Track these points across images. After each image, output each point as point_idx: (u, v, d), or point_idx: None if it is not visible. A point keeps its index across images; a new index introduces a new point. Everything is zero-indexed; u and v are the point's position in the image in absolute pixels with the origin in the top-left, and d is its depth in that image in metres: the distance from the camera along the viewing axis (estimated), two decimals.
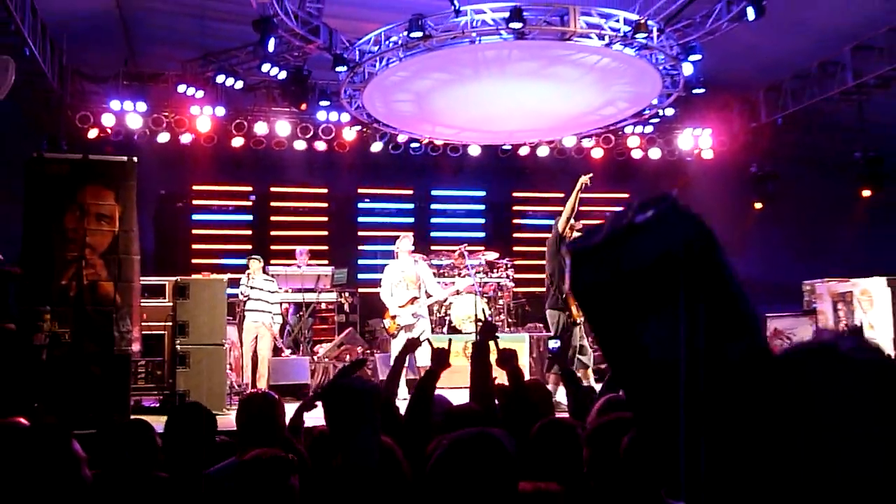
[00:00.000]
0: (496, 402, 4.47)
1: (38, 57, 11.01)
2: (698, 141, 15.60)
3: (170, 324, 9.15)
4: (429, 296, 10.20)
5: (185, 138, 13.92)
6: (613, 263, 1.02)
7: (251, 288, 11.29)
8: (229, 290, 11.31)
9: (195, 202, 15.42)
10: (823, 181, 14.81)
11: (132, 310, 7.85)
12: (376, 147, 14.82)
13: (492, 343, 4.87)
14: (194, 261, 14.44)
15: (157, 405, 9.16)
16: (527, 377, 11.58)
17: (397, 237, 10.71)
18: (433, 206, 16.51)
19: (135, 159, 7.89)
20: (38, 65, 11.21)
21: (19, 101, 12.06)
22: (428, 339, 9.16)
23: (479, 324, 4.38)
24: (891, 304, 10.63)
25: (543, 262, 16.21)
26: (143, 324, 8.76)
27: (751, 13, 10.27)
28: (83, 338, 7.45)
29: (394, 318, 9.85)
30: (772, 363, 1.13)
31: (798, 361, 1.16)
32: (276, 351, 11.39)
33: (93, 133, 13.33)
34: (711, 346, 1.00)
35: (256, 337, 11.03)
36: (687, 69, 11.46)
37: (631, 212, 1.04)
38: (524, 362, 11.85)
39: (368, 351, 12.36)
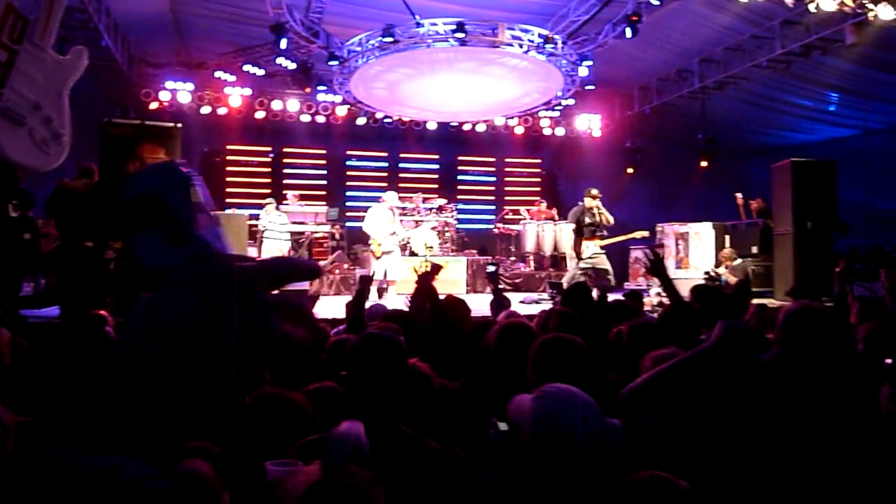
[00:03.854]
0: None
1: (111, 47, 10.66)
2: (590, 123, 15.61)
3: None
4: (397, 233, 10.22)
5: (222, 111, 13.66)
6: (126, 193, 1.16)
7: (269, 221, 11.22)
8: (251, 221, 11.27)
9: (229, 158, 15.11)
10: (675, 154, 14.93)
11: None
12: (361, 121, 14.62)
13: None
14: (228, 200, 14.25)
15: None
16: (464, 289, 11.76)
17: (376, 187, 10.69)
18: (401, 165, 16.35)
19: (179, 125, 7.70)
20: (112, 53, 10.85)
21: (97, 80, 11.69)
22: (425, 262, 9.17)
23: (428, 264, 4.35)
24: (713, 241, 10.85)
25: (479, 206, 16.38)
26: None
27: (628, 32, 10.22)
28: None
29: (379, 245, 9.86)
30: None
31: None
32: None
33: (153, 105, 12.99)
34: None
35: (272, 256, 10.98)
36: (582, 71, 11.38)
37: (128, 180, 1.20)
38: (462, 278, 11.94)
39: (352, 266, 12.39)
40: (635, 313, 5.23)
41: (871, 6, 8.80)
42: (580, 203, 9.61)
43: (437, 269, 4.36)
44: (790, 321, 2.49)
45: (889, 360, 2.38)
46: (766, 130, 14.74)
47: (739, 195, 11.41)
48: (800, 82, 11.95)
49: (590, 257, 9.34)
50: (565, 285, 9.15)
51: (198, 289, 1.13)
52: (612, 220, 9.55)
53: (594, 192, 9.57)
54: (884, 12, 8.82)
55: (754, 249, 10.11)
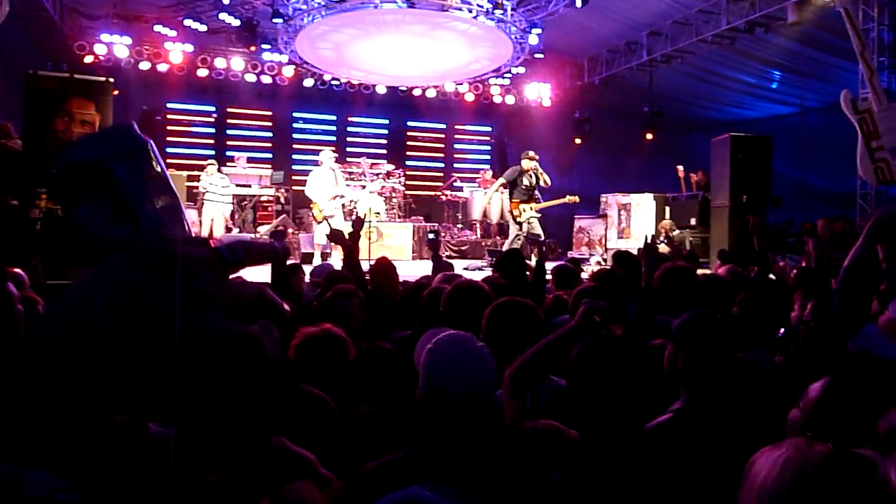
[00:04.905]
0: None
1: None
2: (540, 92, 15.59)
3: None
4: (342, 196, 10.09)
5: (162, 67, 13.13)
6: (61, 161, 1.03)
7: (209, 183, 10.95)
8: (191, 183, 11.01)
9: (169, 116, 14.59)
10: (622, 126, 15.08)
11: None
12: (308, 82, 14.30)
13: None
14: (168, 161, 13.80)
15: None
16: (410, 255, 11.74)
17: (322, 150, 10.54)
18: (349, 129, 16.10)
19: (111, 80, 7.38)
20: (41, 2, 10.30)
21: (26, 30, 11.14)
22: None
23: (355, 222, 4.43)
24: (654, 212, 11.07)
25: (427, 173, 16.31)
26: None
27: (578, 1, 10.21)
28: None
29: (321, 210, 9.73)
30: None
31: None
32: (227, 230, 11.13)
33: (88, 59, 12.38)
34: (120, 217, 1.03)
35: (212, 219, 10.76)
36: (532, 39, 11.35)
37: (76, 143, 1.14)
38: (408, 244, 11.91)
39: (297, 231, 12.23)
40: (575, 280, 5.34)
41: None
42: (517, 165, 9.64)
43: (360, 224, 4.36)
44: (664, 277, 2.65)
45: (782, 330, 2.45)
46: (710, 105, 15.00)
47: (681, 168, 11.65)
48: (743, 58, 12.15)
49: (527, 221, 9.43)
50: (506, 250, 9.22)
51: (131, 272, 1.02)
52: (549, 181, 9.63)
53: (531, 153, 9.62)
54: None
55: (693, 221, 10.36)
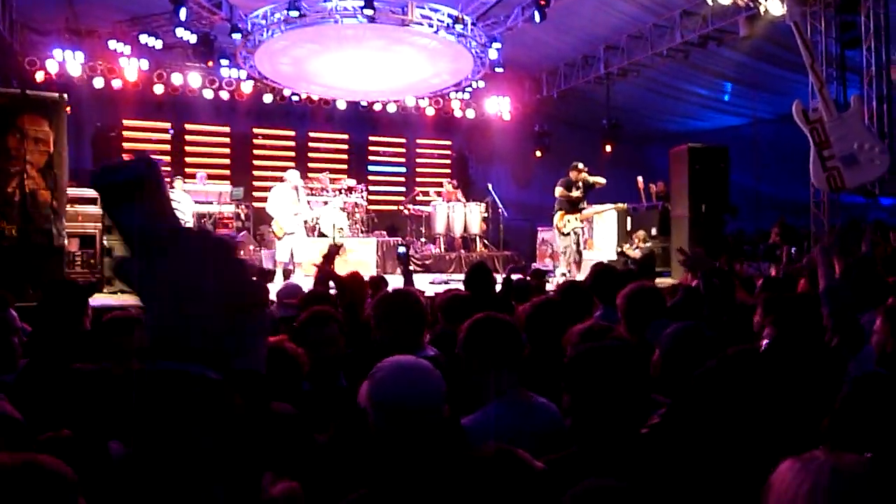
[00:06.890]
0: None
1: None
2: (500, 106, 15.73)
3: (100, 224, 8.50)
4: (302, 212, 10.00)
5: (116, 84, 12.84)
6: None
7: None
8: None
9: (125, 133, 14.24)
10: (581, 138, 15.23)
11: (64, 213, 7.30)
12: (267, 98, 14.16)
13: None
14: None
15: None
16: (374, 270, 11.64)
17: (283, 167, 10.43)
18: (310, 144, 15.95)
19: (65, 96, 7.17)
20: None
21: None
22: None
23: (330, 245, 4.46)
24: (616, 223, 11.19)
25: (389, 188, 16.27)
26: (79, 224, 8.18)
27: (537, 16, 10.33)
28: (28, 233, 6.88)
29: (281, 227, 9.60)
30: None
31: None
32: None
33: (40, 76, 12.04)
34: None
35: None
36: (492, 54, 11.44)
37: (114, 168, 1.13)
38: (371, 259, 11.81)
39: (258, 247, 12.04)
40: (538, 292, 5.35)
41: (762, 0, 9.26)
42: (566, 177, 9.60)
43: (335, 249, 4.31)
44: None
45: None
46: (665, 117, 15.32)
47: (640, 179, 11.83)
48: (697, 72, 12.47)
49: (573, 231, 9.45)
50: (566, 265, 9.16)
51: (198, 254, 1.10)
52: (603, 181, 9.67)
53: (580, 165, 9.63)
54: (773, 6, 9.30)
55: (654, 231, 10.51)
